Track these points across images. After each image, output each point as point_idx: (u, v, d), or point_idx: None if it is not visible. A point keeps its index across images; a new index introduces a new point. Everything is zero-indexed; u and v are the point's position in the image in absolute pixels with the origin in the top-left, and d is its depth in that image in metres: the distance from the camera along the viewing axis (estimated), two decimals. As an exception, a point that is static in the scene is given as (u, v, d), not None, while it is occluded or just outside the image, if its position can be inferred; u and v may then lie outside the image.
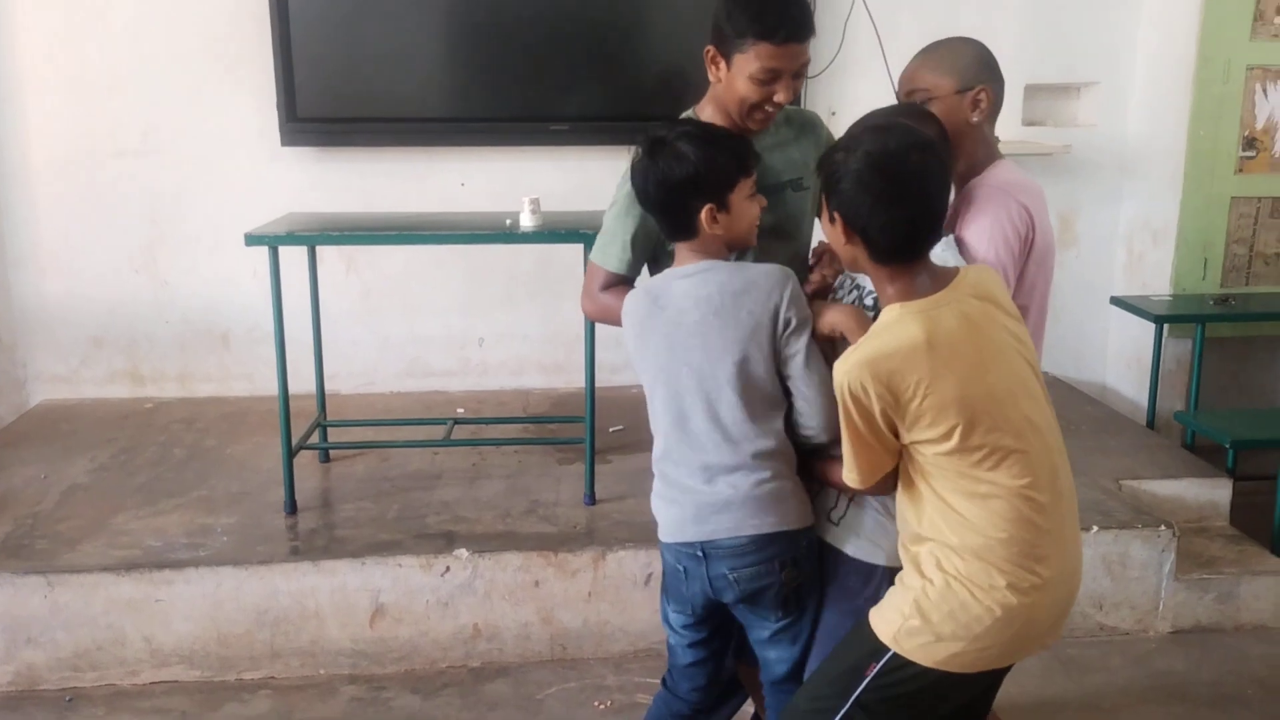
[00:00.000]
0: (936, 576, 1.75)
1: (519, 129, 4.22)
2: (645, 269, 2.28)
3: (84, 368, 4.41)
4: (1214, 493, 3.60)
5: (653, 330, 1.98)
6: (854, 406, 1.73)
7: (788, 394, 1.94)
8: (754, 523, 1.93)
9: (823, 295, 2.11)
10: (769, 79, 2.09)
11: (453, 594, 3.04)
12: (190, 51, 4.16)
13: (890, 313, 1.75)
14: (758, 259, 2.22)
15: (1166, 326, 4.24)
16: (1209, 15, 4.19)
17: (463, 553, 3.04)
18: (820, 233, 1.99)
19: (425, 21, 4.15)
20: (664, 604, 2.11)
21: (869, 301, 1.96)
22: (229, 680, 3.00)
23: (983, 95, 2.07)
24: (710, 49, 2.15)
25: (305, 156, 4.22)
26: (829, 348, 1.96)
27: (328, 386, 3.84)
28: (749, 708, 2.34)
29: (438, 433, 3.69)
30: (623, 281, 2.27)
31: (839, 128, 4.55)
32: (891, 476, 1.83)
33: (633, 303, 2.04)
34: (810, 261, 2.28)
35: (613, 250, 2.24)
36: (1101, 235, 4.62)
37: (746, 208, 1.97)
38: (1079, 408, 4.29)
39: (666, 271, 2.03)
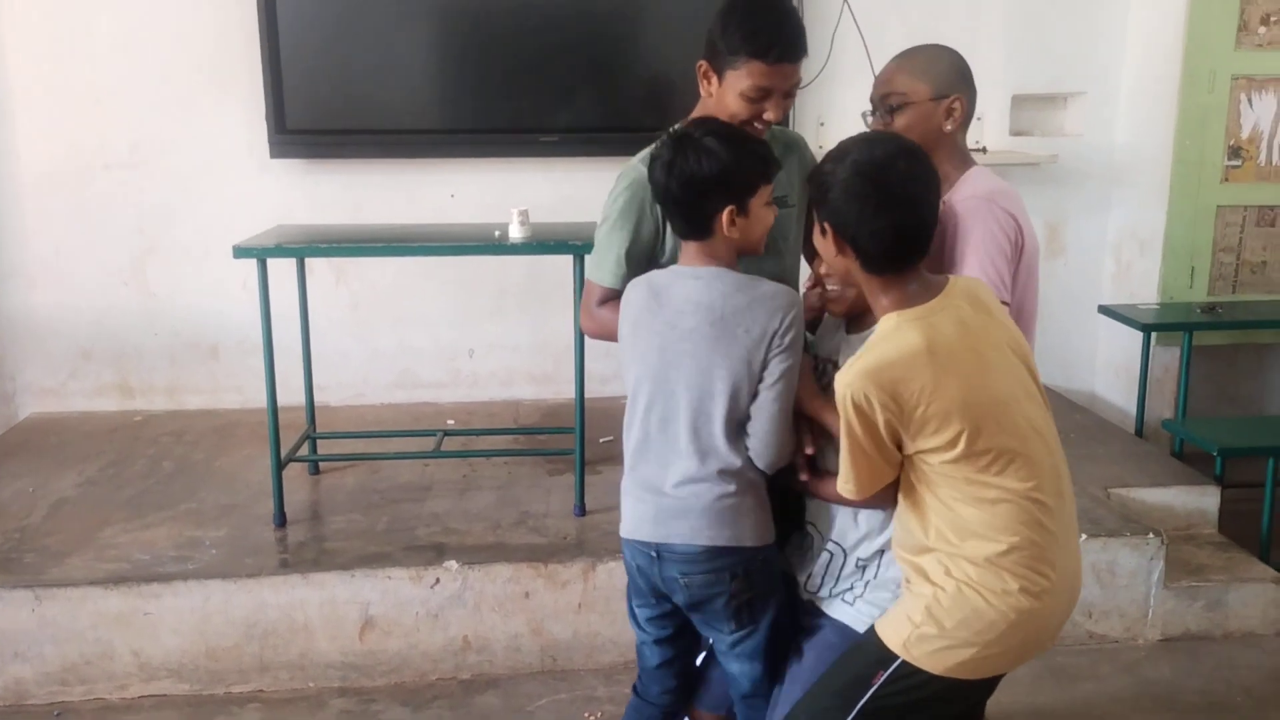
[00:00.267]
0: (947, 583, 1.75)
1: (508, 141, 4.23)
2: None
3: (73, 380, 4.40)
4: (1202, 500, 3.61)
5: (647, 327, 1.97)
6: (856, 418, 1.72)
7: None
8: (709, 534, 1.93)
9: (818, 317, 2.12)
10: (759, 97, 2.10)
11: (443, 606, 3.03)
12: (179, 64, 4.16)
13: (888, 322, 1.76)
14: (744, 269, 2.23)
15: (1154, 335, 4.26)
16: (1194, 26, 4.22)
17: (453, 564, 3.03)
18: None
19: (415, 33, 4.16)
20: (630, 602, 2.12)
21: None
22: (218, 694, 2.98)
23: (957, 104, 2.09)
24: (703, 63, 2.16)
25: (294, 168, 4.23)
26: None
27: (318, 398, 3.83)
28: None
29: (428, 444, 3.69)
30: (619, 296, 2.25)
31: (827, 137, 4.61)
32: (892, 489, 1.82)
33: (633, 292, 2.02)
34: (807, 285, 2.29)
35: (607, 265, 2.23)
36: (1089, 244, 4.64)
37: (764, 214, 1.96)
38: (1068, 416, 4.30)
39: (673, 267, 2.02)
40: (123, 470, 3.76)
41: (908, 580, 1.83)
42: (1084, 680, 3.07)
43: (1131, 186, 4.53)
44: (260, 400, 3.32)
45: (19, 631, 2.91)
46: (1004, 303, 1.96)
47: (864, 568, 1.97)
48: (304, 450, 3.62)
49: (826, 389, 1.92)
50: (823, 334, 2.09)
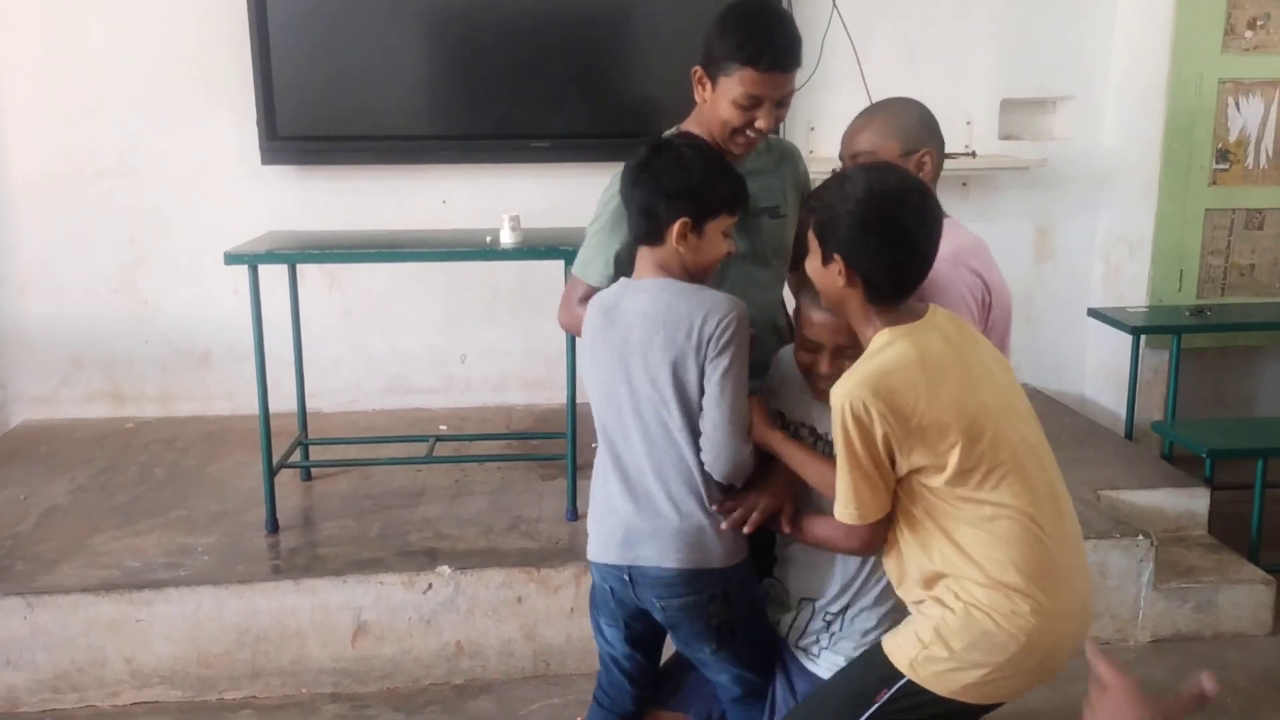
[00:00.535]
0: (956, 606, 1.74)
1: (500, 146, 4.24)
2: None
3: (64, 388, 4.40)
4: (1192, 502, 3.63)
5: (602, 345, 1.99)
6: (855, 430, 1.71)
7: None
8: (679, 556, 1.91)
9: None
10: (751, 105, 2.11)
11: (435, 611, 3.03)
12: (169, 71, 4.16)
13: (880, 338, 1.76)
14: (736, 284, 2.25)
15: (1143, 338, 4.28)
16: (1181, 30, 4.25)
17: (445, 570, 3.04)
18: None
19: (406, 39, 4.17)
20: (594, 617, 2.11)
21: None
22: (210, 700, 2.98)
23: (927, 158, 2.11)
24: (698, 69, 2.18)
25: (286, 175, 4.23)
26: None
27: (310, 405, 3.83)
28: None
29: (420, 450, 3.69)
30: None
31: (818, 142, 4.63)
32: (883, 527, 1.80)
33: (588, 314, 2.04)
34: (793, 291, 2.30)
35: (595, 265, 2.24)
36: (1078, 248, 4.66)
37: (717, 242, 1.97)
38: (1058, 419, 4.31)
39: (623, 282, 2.04)
40: (114, 477, 3.75)
41: (918, 603, 1.81)
42: (1076, 681, 3.05)
43: (1120, 190, 4.55)
44: (252, 407, 3.32)
45: (11, 639, 2.91)
46: None
47: (829, 623, 1.98)
48: (296, 456, 3.62)
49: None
50: (789, 396, 2.07)
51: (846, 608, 1.96)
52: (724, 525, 1.92)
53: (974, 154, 4.44)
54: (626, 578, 1.96)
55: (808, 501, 1.96)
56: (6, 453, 4.04)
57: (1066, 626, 1.78)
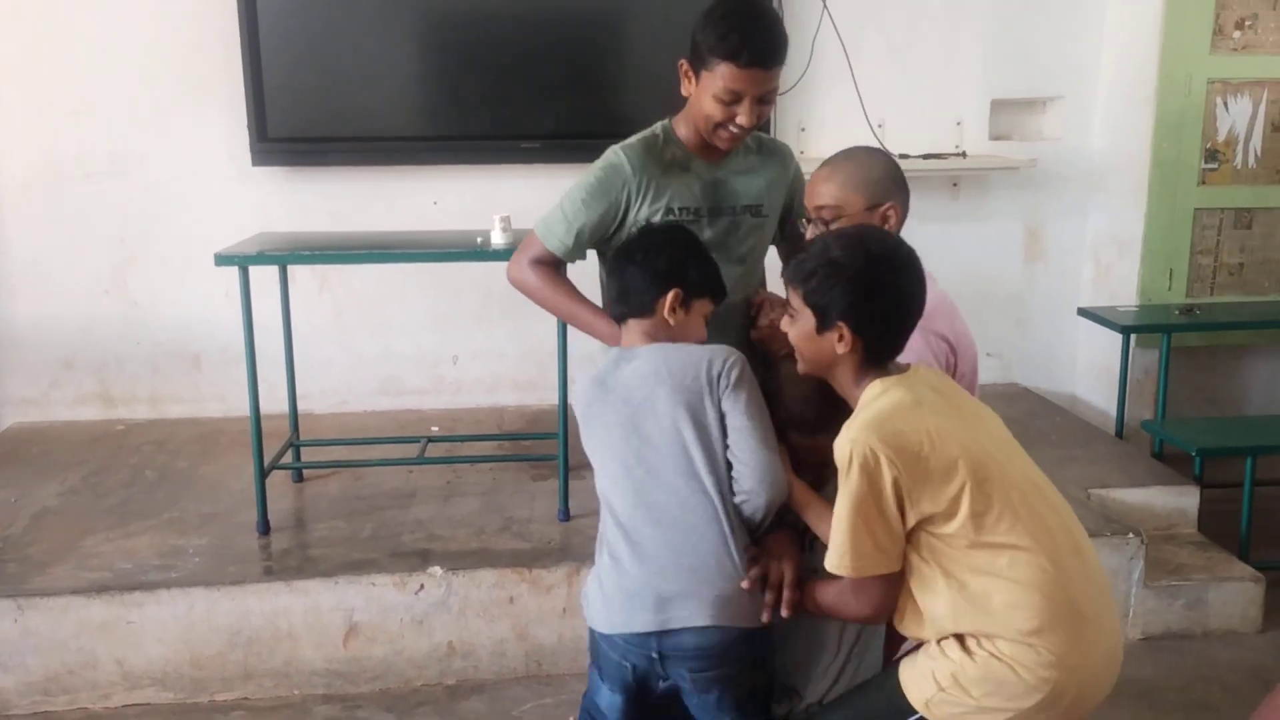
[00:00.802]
0: (979, 654, 1.72)
1: (490, 147, 4.23)
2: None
3: (54, 390, 4.39)
4: (1182, 500, 3.64)
5: (599, 415, 1.97)
6: (862, 479, 1.67)
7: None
8: (716, 614, 1.82)
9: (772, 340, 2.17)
10: (731, 100, 2.14)
11: (427, 612, 3.03)
12: (159, 72, 4.15)
13: (874, 388, 1.77)
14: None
15: (1134, 337, 4.29)
16: (1169, 30, 4.26)
17: (437, 570, 3.04)
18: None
19: (396, 40, 4.17)
20: (594, 680, 2.00)
21: None
22: (202, 702, 2.98)
23: (891, 212, 2.09)
24: (684, 62, 2.21)
25: (276, 176, 4.22)
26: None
27: (302, 406, 3.83)
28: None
29: (412, 451, 3.69)
30: (557, 264, 2.36)
31: (808, 142, 4.64)
32: (894, 590, 1.76)
33: (580, 390, 2.03)
34: (754, 310, 2.31)
35: (558, 231, 2.29)
36: (1069, 248, 4.68)
37: (698, 323, 2.04)
38: (1048, 418, 4.33)
39: (614, 354, 2.03)
40: (105, 479, 3.74)
41: (938, 640, 1.76)
42: None
43: (1110, 190, 4.56)
44: (243, 408, 3.32)
45: (1, 641, 2.90)
46: None
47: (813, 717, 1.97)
48: (287, 458, 3.62)
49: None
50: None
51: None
52: (745, 584, 1.85)
53: (964, 154, 4.45)
54: (655, 654, 1.86)
55: (805, 565, 1.92)
56: (-3, 455, 4.04)
57: (1093, 675, 1.74)
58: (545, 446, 3.74)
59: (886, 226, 2.07)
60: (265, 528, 3.27)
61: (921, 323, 1.91)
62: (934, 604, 1.74)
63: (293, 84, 4.10)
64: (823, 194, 2.10)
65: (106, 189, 4.22)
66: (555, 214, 2.32)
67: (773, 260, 2.52)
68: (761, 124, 2.30)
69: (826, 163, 2.16)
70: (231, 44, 4.03)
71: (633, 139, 2.36)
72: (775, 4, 4.20)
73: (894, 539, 1.71)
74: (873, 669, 2.00)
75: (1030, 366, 4.75)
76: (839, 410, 1.82)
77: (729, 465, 1.88)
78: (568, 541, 3.20)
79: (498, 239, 3.24)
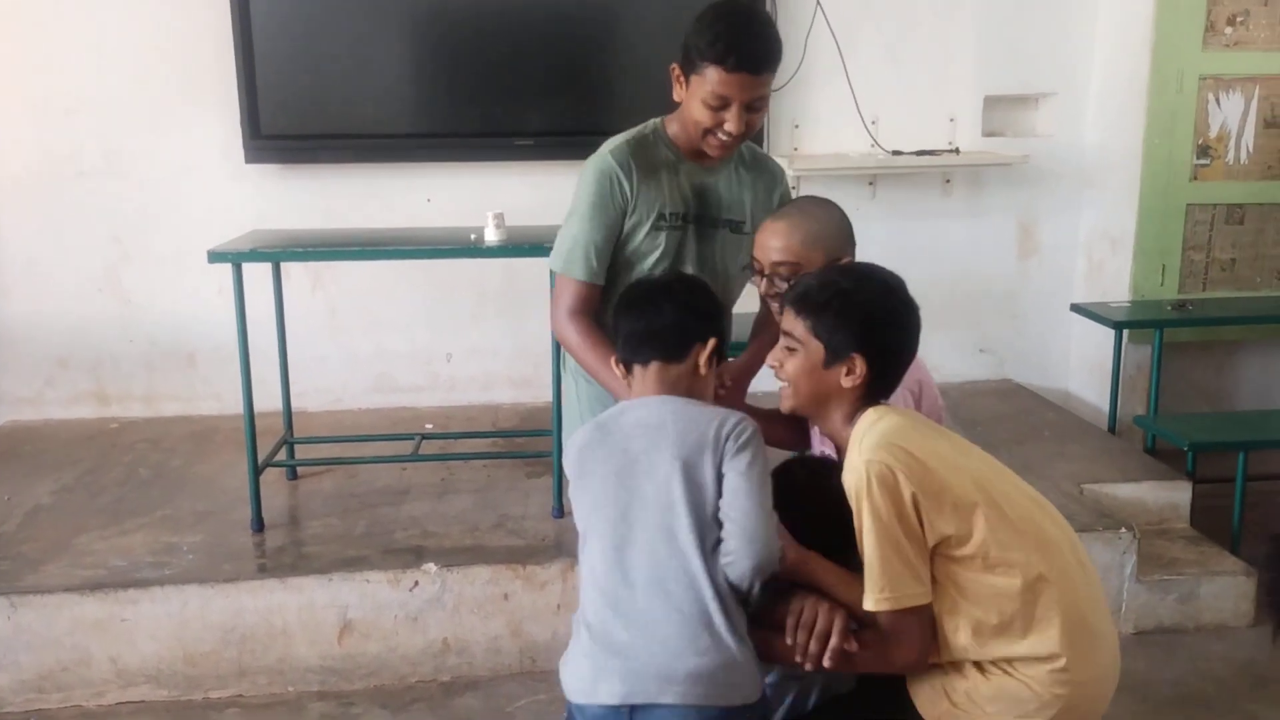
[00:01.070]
0: (994, 671, 1.73)
1: (484, 144, 4.24)
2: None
3: (49, 388, 4.38)
4: (1174, 495, 3.65)
5: (593, 461, 1.84)
6: (883, 497, 1.65)
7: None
8: (699, 692, 1.66)
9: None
10: (719, 105, 2.10)
11: (421, 609, 3.04)
12: (152, 70, 4.15)
13: (869, 415, 1.78)
14: None
15: (1126, 333, 4.30)
16: (1162, 27, 4.27)
17: (431, 567, 3.04)
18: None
19: (389, 37, 4.17)
20: None
21: None
22: (196, 699, 2.98)
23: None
24: (675, 66, 2.18)
25: (269, 174, 4.22)
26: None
27: (296, 404, 3.83)
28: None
29: (406, 448, 3.69)
30: (592, 293, 2.24)
31: (802, 139, 4.63)
32: (930, 630, 1.72)
33: (577, 436, 1.91)
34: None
35: (577, 259, 2.22)
36: (1062, 244, 4.69)
37: (712, 383, 1.95)
38: (1042, 414, 4.34)
39: (621, 404, 1.93)
40: (99, 477, 3.74)
41: (951, 662, 1.76)
42: None
43: (1102, 186, 4.57)
44: (237, 406, 3.31)
45: (-5, 639, 2.90)
46: None
47: None
48: (281, 455, 3.62)
49: None
50: None
51: None
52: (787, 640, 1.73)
53: (957, 150, 4.46)
54: None
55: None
56: (-10, 454, 4.03)
57: (1102, 688, 1.78)
58: (539, 443, 3.75)
59: None
60: (259, 525, 3.27)
61: None
62: (955, 633, 1.73)
63: (286, 81, 4.10)
64: (783, 250, 2.07)
65: (100, 187, 4.22)
66: (566, 243, 2.23)
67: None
68: (752, 133, 2.25)
69: (782, 218, 2.11)
70: (225, 42, 4.03)
71: (621, 138, 2.29)
72: (769, 3, 4.21)
73: (923, 559, 1.68)
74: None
75: (1023, 362, 4.76)
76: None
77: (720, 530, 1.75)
78: (562, 538, 3.21)
79: (491, 236, 3.24)
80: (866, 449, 1.70)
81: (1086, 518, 3.31)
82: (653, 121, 2.34)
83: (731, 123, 2.11)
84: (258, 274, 3.41)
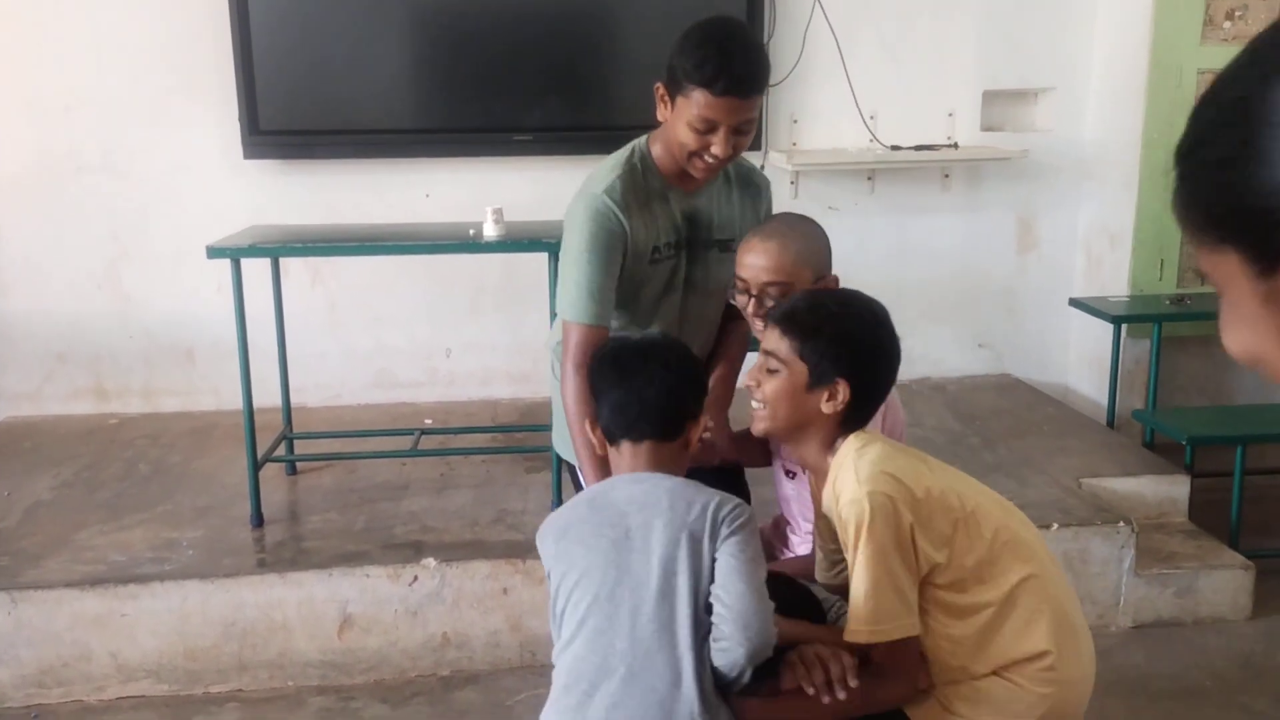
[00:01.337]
0: (989, 678, 1.76)
1: (482, 140, 4.24)
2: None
3: (48, 384, 4.38)
4: (1172, 489, 3.66)
5: (579, 535, 1.74)
6: (885, 528, 1.65)
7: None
8: None
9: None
10: (705, 129, 2.03)
11: (421, 603, 3.04)
12: (150, 66, 4.15)
13: (852, 442, 1.77)
14: (677, 316, 2.21)
15: (1125, 327, 4.30)
16: (1160, 22, 4.27)
17: (431, 562, 3.04)
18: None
19: (388, 32, 4.17)
20: None
21: None
22: (196, 694, 2.98)
23: (833, 282, 2.09)
24: (660, 86, 2.11)
25: (268, 169, 4.22)
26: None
27: (295, 400, 3.83)
28: None
29: (405, 443, 3.70)
30: (600, 336, 2.12)
31: (800, 134, 4.63)
32: (919, 662, 1.75)
33: (557, 514, 1.84)
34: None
35: (586, 305, 2.10)
36: (1061, 239, 4.69)
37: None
38: (1040, 409, 4.35)
39: (613, 478, 1.85)
40: (99, 473, 3.75)
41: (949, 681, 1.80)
42: None
43: (1101, 181, 4.58)
44: (236, 402, 3.32)
45: (-5, 634, 2.91)
46: None
47: None
48: (281, 451, 3.63)
49: None
50: None
51: None
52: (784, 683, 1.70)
53: (956, 145, 4.46)
54: None
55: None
56: (-10, 450, 4.04)
57: (1084, 689, 1.81)
58: (539, 438, 3.74)
59: None
60: (259, 520, 3.28)
61: None
62: (951, 656, 1.76)
63: (284, 77, 4.10)
64: (774, 270, 2.03)
65: (99, 183, 4.22)
66: (572, 290, 2.12)
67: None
68: (739, 154, 2.17)
69: (772, 237, 2.06)
70: (223, 37, 4.03)
71: (610, 174, 2.16)
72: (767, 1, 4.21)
73: (914, 590, 1.69)
74: None
75: (1022, 357, 4.76)
76: None
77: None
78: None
79: (490, 231, 3.24)
80: (865, 479, 1.69)
81: (1085, 512, 3.32)
82: (636, 145, 2.24)
83: (719, 146, 2.05)
84: (257, 270, 3.42)
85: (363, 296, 4.42)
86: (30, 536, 3.22)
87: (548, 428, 3.39)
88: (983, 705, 1.75)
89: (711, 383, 2.23)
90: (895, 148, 4.38)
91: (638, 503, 1.73)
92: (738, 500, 1.75)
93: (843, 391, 1.75)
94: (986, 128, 4.57)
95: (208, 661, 2.98)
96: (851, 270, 2.14)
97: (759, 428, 1.83)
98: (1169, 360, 4.33)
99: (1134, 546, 3.26)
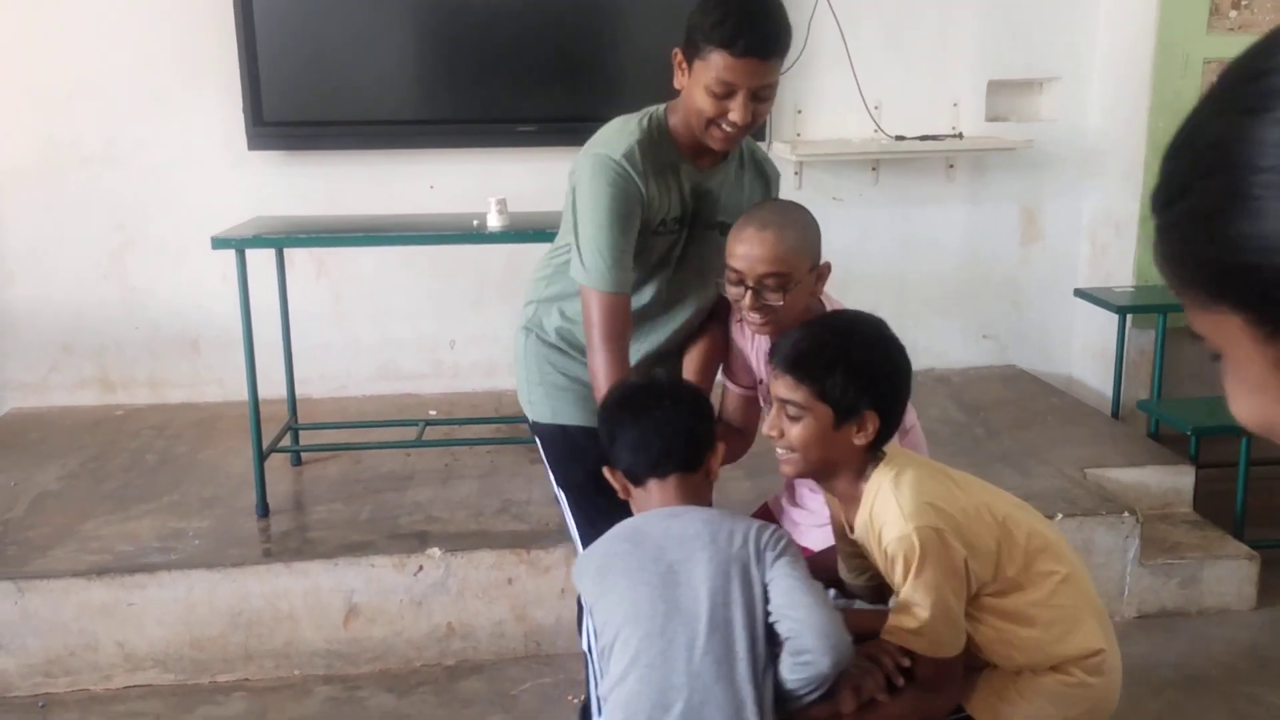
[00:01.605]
0: (1048, 675, 1.79)
1: (486, 130, 4.23)
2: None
3: (53, 375, 4.39)
4: (1177, 479, 3.66)
5: (623, 569, 1.73)
6: (938, 565, 1.66)
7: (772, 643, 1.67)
8: None
9: None
10: (724, 93, 1.97)
11: (426, 593, 3.05)
12: (154, 56, 4.15)
13: (883, 474, 1.75)
14: (670, 297, 2.18)
15: (1130, 317, 4.29)
16: (1166, 10, 4.25)
17: (436, 552, 3.05)
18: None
19: (391, 23, 4.16)
20: None
21: None
22: (203, 683, 3.00)
23: (825, 269, 2.06)
24: (677, 51, 2.06)
25: (272, 160, 4.22)
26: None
27: (300, 391, 3.84)
28: None
29: (410, 434, 3.70)
30: (626, 304, 2.09)
31: (804, 125, 4.61)
32: (962, 672, 1.78)
33: (598, 547, 1.82)
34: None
35: (608, 271, 2.02)
36: (1065, 228, 4.68)
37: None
38: (1045, 399, 4.34)
39: (647, 513, 1.82)
40: (105, 464, 3.76)
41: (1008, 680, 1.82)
42: None
43: (1106, 170, 4.56)
44: (242, 393, 3.33)
45: (2, 623, 2.92)
46: None
47: None
48: (286, 441, 3.63)
49: None
50: None
51: None
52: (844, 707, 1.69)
53: (961, 135, 4.45)
54: None
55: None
56: (-4, 440, 4.05)
57: (1119, 677, 1.85)
58: (543, 429, 3.75)
59: (820, 284, 2.05)
60: (264, 510, 3.29)
61: None
62: (1009, 660, 1.79)
63: (288, 68, 4.09)
64: (772, 260, 1.95)
65: (103, 174, 4.22)
66: (594, 257, 2.03)
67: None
68: (759, 124, 2.12)
69: (768, 227, 1.97)
70: (226, 28, 4.02)
71: (629, 137, 2.09)
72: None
73: (961, 609, 1.72)
74: None
75: (1027, 348, 4.76)
76: None
77: (769, 649, 1.66)
78: (565, 523, 3.21)
79: (494, 221, 3.24)
80: (910, 514, 1.67)
81: (1089, 502, 3.32)
82: (654, 111, 2.18)
83: (737, 112, 1.99)
84: (261, 261, 3.42)
85: (367, 288, 4.42)
86: (37, 527, 3.23)
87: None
88: (1040, 698, 1.78)
89: (694, 359, 2.27)
90: (900, 138, 4.38)
91: (677, 537, 1.73)
92: (774, 527, 1.77)
93: (871, 422, 1.73)
94: (991, 118, 4.55)
95: (214, 651, 3.00)
96: (856, 261, 2.13)
97: (788, 471, 1.81)
98: (1174, 350, 4.32)
99: (1139, 537, 3.25)
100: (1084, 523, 3.22)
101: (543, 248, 3.25)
